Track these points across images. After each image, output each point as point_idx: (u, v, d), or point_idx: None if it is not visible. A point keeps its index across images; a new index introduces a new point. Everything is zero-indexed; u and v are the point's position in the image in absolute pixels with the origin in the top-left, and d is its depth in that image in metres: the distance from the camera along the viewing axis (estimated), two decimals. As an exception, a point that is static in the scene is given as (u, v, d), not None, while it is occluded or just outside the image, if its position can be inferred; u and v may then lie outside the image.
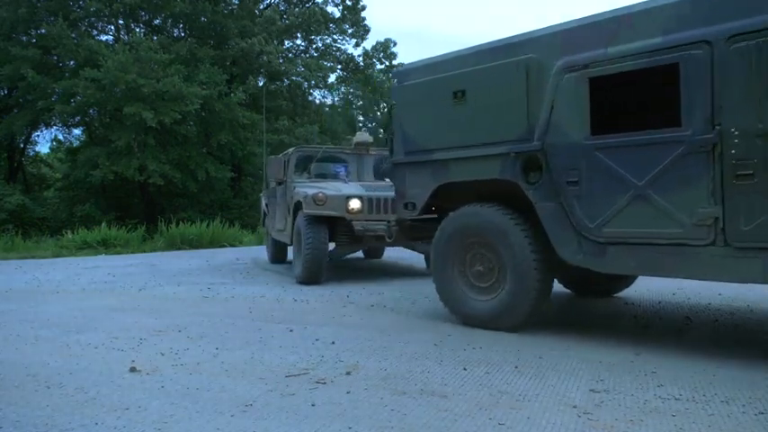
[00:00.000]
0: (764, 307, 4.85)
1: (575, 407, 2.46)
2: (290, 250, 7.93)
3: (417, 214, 4.56)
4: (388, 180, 7.34)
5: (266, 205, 9.27)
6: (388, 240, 5.20)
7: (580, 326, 4.11)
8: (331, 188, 6.72)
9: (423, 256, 7.54)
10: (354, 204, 6.42)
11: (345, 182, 7.36)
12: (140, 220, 17.68)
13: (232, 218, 18.20)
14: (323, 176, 7.63)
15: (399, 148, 4.60)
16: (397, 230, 5.00)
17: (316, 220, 6.46)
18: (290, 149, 7.89)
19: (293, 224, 6.98)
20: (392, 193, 6.08)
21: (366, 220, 6.44)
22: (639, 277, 5.66)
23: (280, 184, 7.78)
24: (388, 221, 5.30)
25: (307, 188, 6.79)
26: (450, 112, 4.15)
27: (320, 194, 6.38)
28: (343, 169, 7.78)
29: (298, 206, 6.76)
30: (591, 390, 2.68)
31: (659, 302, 5.03)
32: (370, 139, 7.89)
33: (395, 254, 9.88)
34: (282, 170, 7.55)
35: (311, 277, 6.48)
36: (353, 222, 6.45)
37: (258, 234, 16.53)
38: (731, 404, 2.47)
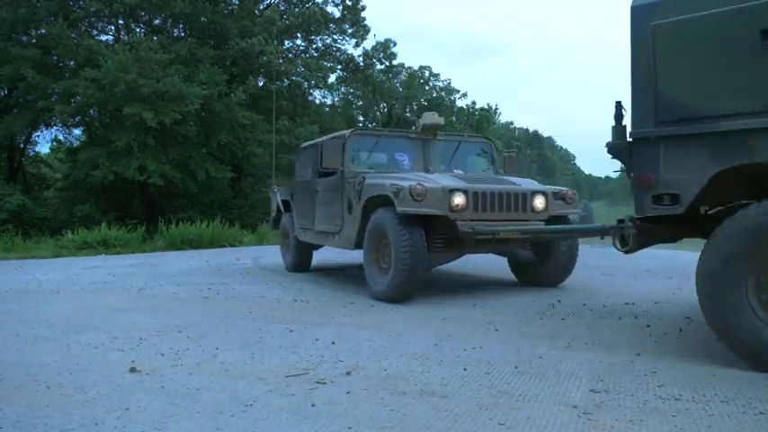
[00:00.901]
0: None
1: (575, 407, 2.46)
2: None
3: (683, 210, 3.26)
4: (457, 171, 6.36)
5: (283, 202, 8.02)
6: (620, 248, 3.75)
7: (580, 326, 4.11)
8: (419, 179, 5.34)
9: (506, 261, 6.52)
10: (459, 200, 5.09)
11: (414, 172, 6.18)
12: (140, 221, 17.67)
13: (232, 218, 18.19)
14: (382, 166, 6.41)
15: (645, 115, 3.35)
16: (635, 233, 3.61)
17: (411, 221, 5.10)
18: (345, 131, 6.60)
19: (360, 224, 5.72)
20: (501, 186, 5.39)
21: (470, 220, 5.12)
22: (639, 278, 5.66)
23: (326, 175, 6.48)
24: (623, 220, 3.67)
25: (383, 179, 5.58)
26: (753, 62, 2.93)
27: (419, 187, 5.02)
28: (406, 158, 6.54)
29: (371, 202, 5.59)
30: (591, 390, 2.68)
31: (659, 302, 5.03)
32: (440, 120, 6.62)
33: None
34: (341, 156, 6.15)
35: (404, 293, 5.16)
36: (458, 223, 5.09)
37: (259, 234, 16.52)
38: (731, 404, 2.47)
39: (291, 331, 4.07)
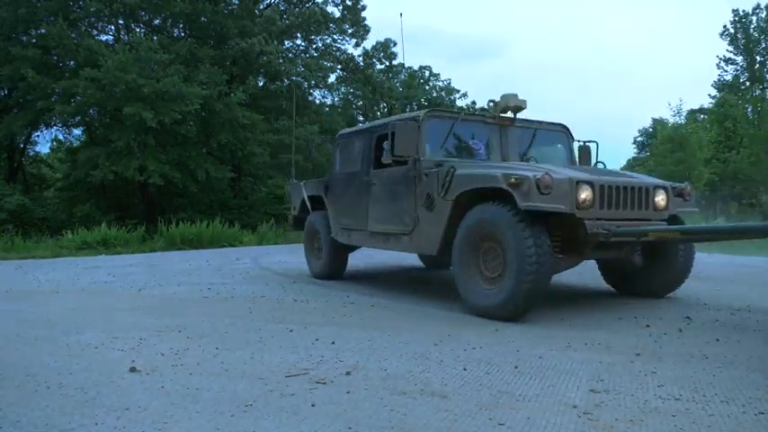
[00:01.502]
0: (765, 307, 4.85)
1: (575, 407, 2.46)
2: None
3: None
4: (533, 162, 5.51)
5: (311, 198, 7.10)
6: None
7: (580, 326, 4.11)
8: (538, 170, 4.42)
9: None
10: (586, 194, 4.21)
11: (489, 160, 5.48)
12: (140, 221, 17.67)
13: (232, 218, 18.19)
14: (456, 154, 5.52)
15: None
16: None
17: (534, 219, 4.18)
18: (418, 113, 5.51)
19: (447, 224, 4.84)
20: (623, 180, 4.53)
21: (597, 219, 4.26)
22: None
23: (382, 165, 5.65)
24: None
25: (484, 169, 4.77)
26: None
27: (547, 177, 4.10)
28: (482, 145, 5.67)
29: (464, 197, 4.74)
30: (591, 390, 2.68)
31: (659, 302, 5.03)
32: (522, 102, 5.70)
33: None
34: (415, 142, 5.15)
35: (524, 308, 4.27)
36: (586, 222, 4.23)
37: (259, 234, 16.52)
38: (731, 404, 2.47)
39: (291, 331, 4.07)
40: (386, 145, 5.51)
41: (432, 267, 8.00)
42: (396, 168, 5.43)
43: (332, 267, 6.85)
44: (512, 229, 4.17)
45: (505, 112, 5.73)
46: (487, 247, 4.48)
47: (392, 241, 5.63)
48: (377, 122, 6.34)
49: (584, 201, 4.20)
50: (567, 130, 6.22)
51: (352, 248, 6.84)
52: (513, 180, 4.20)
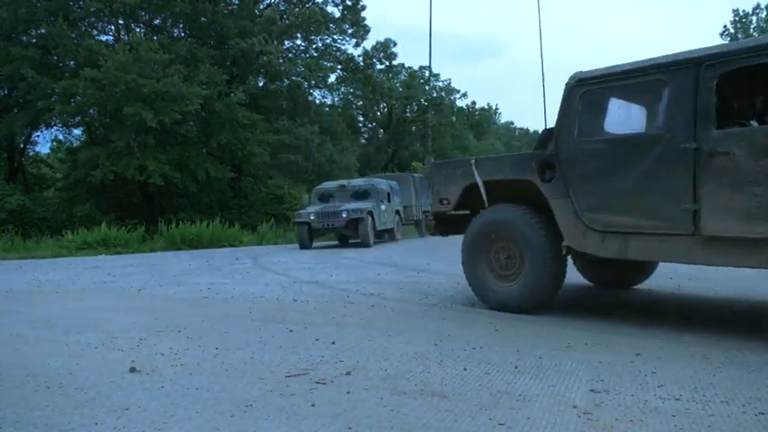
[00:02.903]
0: (765, 306, 4.84)
1: (575, 407, 2.46)
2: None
3: None
4: None
5: (488, 184, 4.78)
6: None
7: (580, 326, 4.10)
8: None
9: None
10: None
11: None
12: (140, 221, 17.69)
13: (232, 218, 18.21)
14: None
15: None
16: None
17: None
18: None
19: None
20: None
21: None
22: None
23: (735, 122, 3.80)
24: None
25: None
26: None
27: None
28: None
29: None
30: (591, 390, 2.68)
31: (659, 302, 5.03)
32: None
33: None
34: None
35: None
36: None
37: (259, 234, 16.53)
38: (731, 404, 2.47)
39: (291, 331, 4.07)
40: None
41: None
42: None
43: (542, 293, 4.48)
44: None
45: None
46: None
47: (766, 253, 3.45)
48: (714, 48, 3.71)
49: None
50: None
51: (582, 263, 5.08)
52: None
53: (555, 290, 4.55)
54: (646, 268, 5.36)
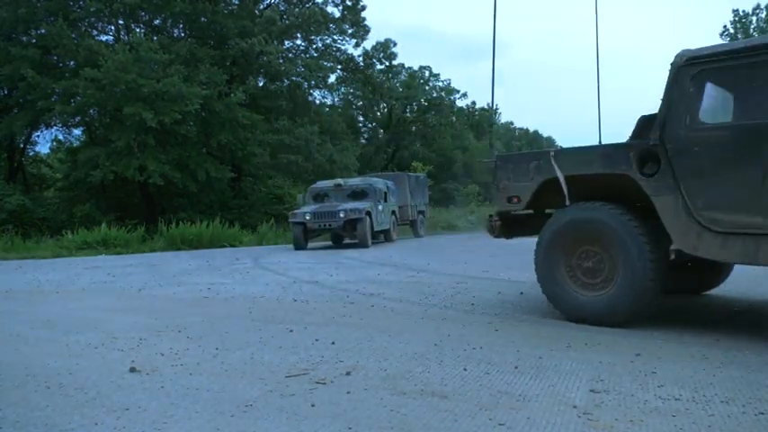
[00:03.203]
0: (765, 306, 4.84)
1: (575, 407, 2.46)
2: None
3: None
4: None
5: (571, 179, 4.22)
6: None
7: (580, 326, 4.10)
8: None
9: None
10: None
11: None
12: (140, 221, 17.69)
13: (232, 218, 18.21)
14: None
15: None
16: None
17: None
18: None
19: None
20: None
21: None
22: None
23: None
24: None
25: None
26: None
27: None
28: None
29: None
30: (591, 390, 2.68)
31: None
32: None
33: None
34: None
35: None
36: None
37: (259, 234, 16.52)
38: (731, 404, 2.47)
39: (291, 331, 4.07)
40: None
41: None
42: None
43: (639, 304, 3.92)
44: None
45: None
46: None
47: None
48: None
49: None
50: None
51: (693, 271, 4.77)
52: None
53: (655, 300, 3.95)
54: (724, 270, 4.82)
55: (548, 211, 4.67)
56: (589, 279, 4.08)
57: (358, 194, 13.49)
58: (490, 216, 4.91)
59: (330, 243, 14.55)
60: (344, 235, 13.43)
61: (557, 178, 4.19)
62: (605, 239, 3.96)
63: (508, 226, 4.77)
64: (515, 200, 4.52)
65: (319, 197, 13.70)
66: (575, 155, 4.33)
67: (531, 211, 4.64)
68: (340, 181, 14.29)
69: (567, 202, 4.18)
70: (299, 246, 12.68)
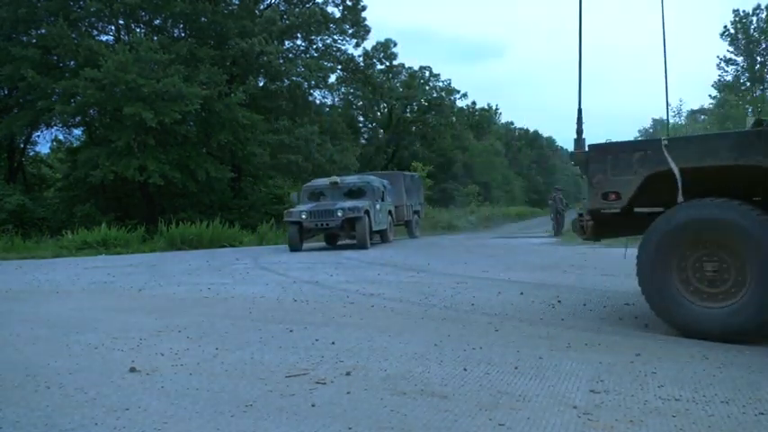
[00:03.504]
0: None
1: (575, 407, 2.46)
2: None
3: None
4: None
5: (694, 172, 3.70)
6: None
7: (580, 326, 4.10)
8: None
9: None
10: None
11: None
12: (140, 221, 17.69)
13: (232, 218, 18.21)
14: None
15: None
16: None
17: None
18: None
19: None
20: None
21: None
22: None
23: None
24: None
25: None
26: None
27: None
28: None
29: None
30: (591, 390, 2.68)
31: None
32: None
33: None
34: None
35: None
36: None
37: (259, 234, 16.50)
38: (731, 404, 2.47)
39: (291, 331, 4.07)
40: None
41: None
42: None
43: None
44: None
45: None
46: None
47: None
48: None
49: None
50: None
51: None
52: None
53: None
54: None
55: (636, 209, 4.02)
56: (709, 288, 3.59)
57: (355, 193, 12.91)
58: (580, 215, 4.33)
59: (325, 244, 14.15)
60: (342, 235, 12.83)
61: (665, 172, 3.61)
62: (734, 242, 3.46)
63: (601, 226, 4.16)
64: (613, 196, 3.88)
65: (315, 195, 13.07)
66: (694, 144, 3.80)
67: (617, 210, 3.95)
68: (336, 178, 13.61)
69: (680, 199, 3.64)
70: (295, 247, 12.07)
